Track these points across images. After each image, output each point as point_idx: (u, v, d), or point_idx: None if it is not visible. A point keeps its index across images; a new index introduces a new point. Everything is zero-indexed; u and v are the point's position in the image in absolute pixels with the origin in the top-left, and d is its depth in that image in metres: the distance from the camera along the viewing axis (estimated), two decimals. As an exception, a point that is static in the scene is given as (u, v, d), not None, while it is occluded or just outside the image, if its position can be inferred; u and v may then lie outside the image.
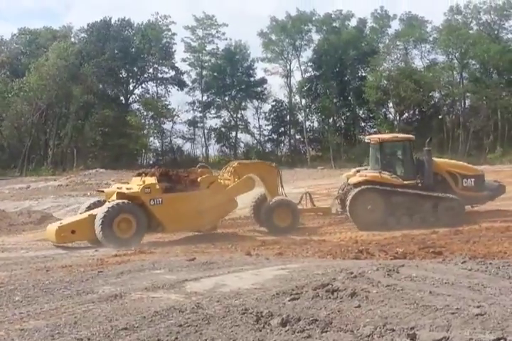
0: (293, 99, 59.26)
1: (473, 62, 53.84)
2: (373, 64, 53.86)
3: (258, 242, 15.30)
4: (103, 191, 18.10)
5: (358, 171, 19.47)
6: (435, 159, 19.66)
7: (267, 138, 60.40)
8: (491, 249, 13.35)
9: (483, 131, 51.33)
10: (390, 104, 55.66)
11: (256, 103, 59.90)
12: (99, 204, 16.69)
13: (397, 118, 55.17)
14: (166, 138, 59.27)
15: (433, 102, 56.22)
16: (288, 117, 59.79)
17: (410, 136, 20.18)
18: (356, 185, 18.64)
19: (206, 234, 17.59)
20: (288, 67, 58.15)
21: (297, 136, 60.40)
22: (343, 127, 59.47)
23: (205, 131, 58.91)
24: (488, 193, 19.12)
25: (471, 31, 53.29)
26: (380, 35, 57.69)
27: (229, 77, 58.89)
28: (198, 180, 17.04)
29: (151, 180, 16.43)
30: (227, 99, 59.68)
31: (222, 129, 59.74)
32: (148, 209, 16.01)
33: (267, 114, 59.94)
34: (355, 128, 58.07)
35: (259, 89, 59.90)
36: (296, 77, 59.20)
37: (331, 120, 58.49)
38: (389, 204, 18.30)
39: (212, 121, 59.86)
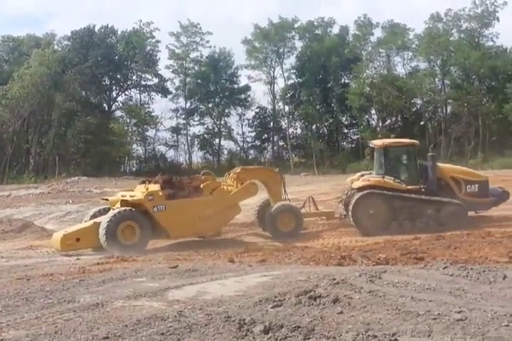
0: (276, 106, 59.57)
1: (455, 69, 54.55)
2: (356, 71, 54.26)
3: (241, 249, 15.27)
4: (107, 199, 18.29)
5: (363, 175, 19.48)
6: (439, 164, 19.63)
7: (250, 144, 60.61)
8: (472, 255, 13.42)
9: (465, 137, 51.83)
10: (373, 111, 56.18)
11: (239, 110, 60.17)
12: (103, 212, 16.91)
13: (380, 124, 55.61)
14: (149, 145, 59.22)
15: (415, 109, 56.74)
16: (271, 124, 59.96)
17: (414, 141, 20.13)
18: (359, 189, 18.63)
19: (190, 241, 17.55)
20: (271, 74, 58.51)
21: (280, 143, 60.64)
22: (326, 134, 59.75)
23: (189, 138, 58.96)
24: (492, 199, 19.09)
25: (451, 38, 53.95)
26: (362, 42, 58.14)
27: (213, 84, 58.93)
28: (201, 186, 17.23)
29: (154, 187, 16.68)
30: (210, 106, 59.72)
31: (206, 136, 59.74)
32: (152, 216, 16.22)
33: (250, 121, 60.21)
34: (338, 134, 58.35)
35: (242, 96, 60.05)
36: (280, 84, 59.55)
37: (314, 126, 58.73)
38: (392, 209, 18.32)
39: (196, 128, 59.96)
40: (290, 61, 60.48)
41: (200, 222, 16.72)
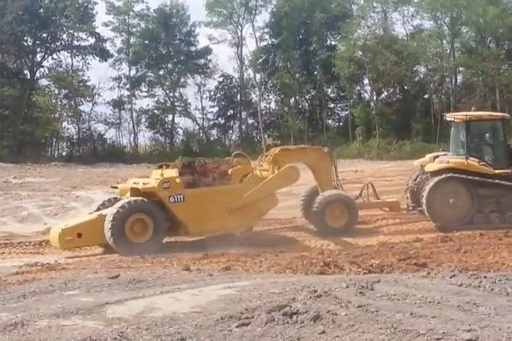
0: (245, 74, 59.37)
1: (467, 29, 54.82)
2: (345, 30, 54.34)
3: (199, 254, 15.30)
4: (117, 187, 18.68)
5: (436, 157, 19.64)
6: None
7: (212, 123, 60.36)
8: (486, 260, 13.67)
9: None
10: (366, 81, 56.35)
11: (198, 79, 59.77)
12: (113, 202, 17.20)
13: (374, 98, 55.86)
14: (84, 123, 58.51)
15: (418, 78, 57.09)
16: (238, 97, 59.82)
17: (505, 114, 20.33)
18: (435, 173, 18.81)
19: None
20: (239, 34, 58.21)
21: (250, 121, 60.57)
22: (307, 109, 59.84)
23: (134, 113, 58.44)
24: None
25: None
26: (353, -6, 58.36)
27: (164, 46, 58.45)
28: (229, 172, 17.34)
29: (171, 172, 16.90)
30: (161, 73, 59.25)
31: (156, 112, 59.31)
32: (168, 208, 16.50)
33: (212, 93, 59.88)
34: (322, 110, 58.52)
35: (202, 61, 59.70)
36: (250, 46, 59.32)
37: (292, 100, 58.80)
38: (476, 199, 18.60)
39: (143, 102, 59.46)
40: (263, 17, 60.32)
41: (227, 216, 16.87)
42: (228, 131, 60.75)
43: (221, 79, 60.09)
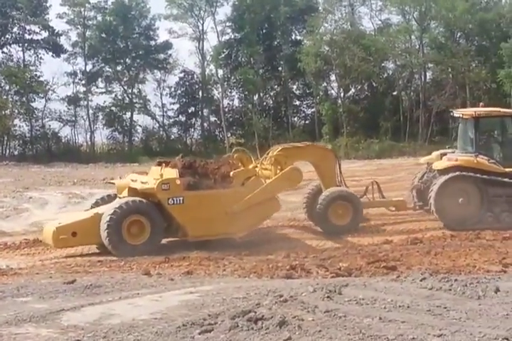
0: (206, 70, 59.22)
1: (436, 24, 55.33)
2: (311, 25, 54.51)
3: (160, 258, 15.23)
4: (113, 183, 18.66)
5: (443, 155, 19.76)
6: None
7: (172, 120, 60.12)
8: (457, 262, 13.82)
9: (449, 112, 52.72)
10: (333, 77, 56.58)
11: (158, 74, 59.51)
12: (109, 199, 17.50)
13: (341, 95, 56.14)
14: (37, 120, 57.93)
15: (386, 75, 57.53)
16: (200, 93, 59.68)
17: None
18: (444, 171, 18.92)
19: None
20: (200, 28, 58.05)
21: (212, 118, 60.50)
22: (271, 106, 59.93)
23: (90, 110, 57.99)
24: None
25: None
26: (319, -13, 58.56)
27: (122, 40, 58.11)
28: (231, 174, 17.35)
29: (171, 173, 16.87)
30: (119, 68, 58.92)
31: (113, 109, 58.93)
32: (166, 210, 16.50)
33: (172, 89, 59.63)
34: (287, 107, 58.67)
35: (162, 56, 59.43)
36: (211, 40, 59.19)
37: (256, 97, 58.82)
38: (486, 198, 18.73)
39: (100, 98, 59.01)
40: (225, 10, 60.23)
41: (227, 220, 16.85)
42: (189, 129, 60.55)
43: (182, 75, 59.93)
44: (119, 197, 17.11)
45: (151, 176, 17.49)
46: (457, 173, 18.58)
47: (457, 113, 20.56)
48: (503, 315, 7.68)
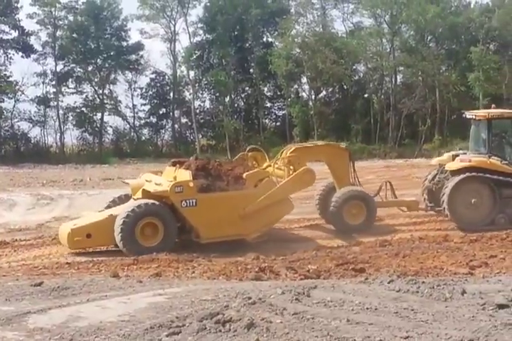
0: (178, 71, 59.04)
1: (407, 27, 55.71)
2: (283, 27, 54.55)
3: (129, 260, 15.18)
4: (128, 183, 19.00)
5: (456, 156, 19.90)
6: None
7: (143, 121, 59.83)
8: (425, 264, 13.94)
9: (419, 115, 53.23)
10: (304, 79, 56.71)
11: (129, 75, 59.16)
12: (125, 199, 18.09)
13: (313, 97, 56.31)
14: (6, 120, 57.38)
15: (357, 77, 57.78)
16: (171, 95, 59.48)
17: None
18: (456, 172, 19.09)
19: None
20: (172, 29, 57.88)
21: (183, 120, 60.29)
22: (242, 108, 59.91)
23: (61, 111, 57.49)
24: None
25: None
26: (291, -11, 58.65)
27: (93, 41, 57.73)
28: (244, 176, 17.56)
29: (184, 175, 17.11)
30: (90, 69, 58.50)
31: (84, 110, 58.56)
32: (179, 212, 16.80)
33: (143, 91, 59.35)
34: (258, 109, 58.68)
35: (133, 56, 59.14)
36: (183, 41, 59.03)
37: (227, 99, 58.72)
38: (498, 199, 18.94)
39: (70, 99, 58.52)
40: (197, 12, 60.03)
41: (240, 222, 17.14)
42: (160, 131, 60.29)
43: (153, 76, 59.65)
44: (133, 198, 17.53)
45: (165, 177, 17.84)
46: (470, 174, 18.83)
47: (470, 114, 20.68)
48: (469, 317, 7.74)
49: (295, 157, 18.50)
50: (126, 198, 18.18)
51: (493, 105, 21.35)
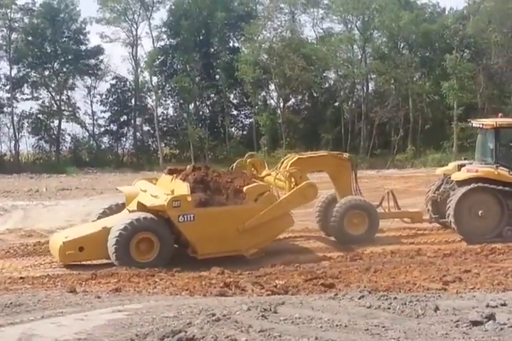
0: (140, 77, 58.83)
1: (379, 33, 56.12)
2: (249, 32, 54.69)
3: (87, 274, 15.08)
4: (121, 191, 19.26)
5: (461, 166, 19.96)
6: None
7: (103, 129, 59.48)
8: (397, 280, 14.01)
9: (391, 124, 53.59)
10: (272, 86, 56.80)
11: (88, 81, 58.86)
12: (117, 209, 18.22)
13: (281, 105, 56.41)
14: (-43, 127, 56.88)
15: (328, 85, 57.97)
16: (133, 101, 59.30)
17: None
18: (463, 182, 19.16)
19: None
20: (134, 33, 57.74)
21: (145, 128, 60.06)
22: (207, 116, 59.85)
23: (15, 118, 57.07)
24: None
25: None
26: (259, -7, 58.86)
27: (50, 44, 57.40)
28: (244, 190, 17.56)
29: (181, 188, 17.12)
30: (47, 74, 58.14)
31: (40, 116, 58.18)
32: (176, 227, 16.85)
33: (103, 97, 59.06)
34: (224, 117, 58.69)
35: (92, 61, 58.89)
36: (146, 46, 58.91)
37: (191, 106, 58.71)
38: (506, 210, 19.00)
39: (26, 105, 58.12)
40: (160, 15, 60.13)
41: (239, 237, 17.25)
42: (121, 139, 59.97)
43: (114, 81, 59.35)
44: (128, 209, 17.58)
45: (160, 186, 18.05)
46: (477, 184, 18.96)
47: (477, 123, 20.86)
48: (442, 334, 7.79)
49: (297, 171, 18.67)
50: (117, 208, 18.27)
51: (500, 114, 21.52)
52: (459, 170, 19.86)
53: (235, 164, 20.11)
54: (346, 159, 20.11)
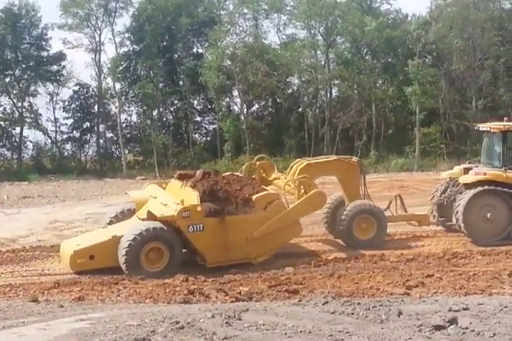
0: (103, 83, 58.52)
1: (342, 39, 56.44)
2: (213, 38, 54.72)
3: (49, 283, 14.96)
4: (130, 195, 19.66)
5: (467, 169, 20.09)
6: None
7: (66, 136, 59.07)
8: (361, 285, 14.09)
9: (354, 130, 53.90)
10: (235, 92, 56.83)
11: (51, 87, 58.43)
12: (128, 213, 18.65)
13: (245, 111, 56.44)
14: None
15: (291, 91, 58.18)
16: (96, 108, 59.00)
17: None
18: (471, 185, 19.31)
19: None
20: (97, 39, 57.45)
21: (109, 134, 59.77)
22: (171, 122, 59.73)
23: (-24, 125, 56.60)
24: None
25: (339, 0, 55.75)
26: (222, -1, 58.96)
27: (11, 50, 56.86)
28: (253, 198, 17.74)
29: (191, 198, 17.26)
30: (8, 80, 57.62)
31: (1, 123, 57.65)
32: (185, 237, 17.06)
33: (66, 103, 58.68)
34: (188, 123, 58.55)
35: (55, 67, 58.45)
36: (109, 52, 58.62)
37: (155, 112, 58.53)
38: None
39: (-14, 112, 57.64)
40: (124, 21, 59.80)
41: (247, 246, 17.46)
42: (84, 146, 59.58)
43: (76, 88, 58.93)
44: (138, 217, 17.85)
45: (170, 192, 18.44)
46: (486, 187, 19.16)
47: (484, 127, 21.06)
48: (406, 338, 7.84)
49: (306, 179, 18.82)
50: (128, 213, 18.63)
51: (505, 118, 21.74)
52: (465, 173, 20.10)
53: (244, 167, 20.55)
54: (355, 164, 20.36)
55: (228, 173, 19.90)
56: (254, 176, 19.85)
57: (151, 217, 17.28)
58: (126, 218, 18.55)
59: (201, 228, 17.01)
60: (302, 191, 18.66)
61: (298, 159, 20.74)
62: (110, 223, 18.65)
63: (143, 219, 17.48)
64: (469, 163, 21.89)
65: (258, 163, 20.13)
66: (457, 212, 19.41)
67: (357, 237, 19.24)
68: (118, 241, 16.70)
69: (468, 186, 19.65)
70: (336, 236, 20.09)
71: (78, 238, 18.53)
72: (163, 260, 16.77)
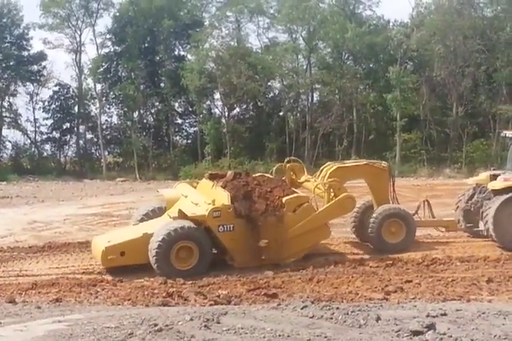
0: (84, 84, 58.38)
1: (324, 44, 56.57)
2: (195, 40, 54.69)
3: (27, 284, 14.88)
4: (162, 194, 19.99)
5: (494, 175, 20.10)
6: None
7: (45, 136, 58.87)
8: (340, 290, 14.12)
9: (335, 135, 54.03)
10: (217, 95, 56.81)
11: (31, 87, 58.27)
12: (158, 212, 18.97)
13: (226, 114, 56.41)
14: None
15: (272, 94, 58.26)
16: (76, 109, 58.79)
17: None
18: (501, 191, 19.31)
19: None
20: (78, 39, 57.27)
21: (89, 135, 59.60)
22: (152, 124, 59.62)
23: (-45, 125, 56.24)
24: None
25: (321, 4, 55.92)
26: (204, 1, 58.87)
27: (-9, 49, 56.77)
28: (283, 201, 17.83)
29: (222, 198, 17.49)
30: (-13, 80, 57.48)
31: (-19, 123, 57.43)
32: (215, 236, 17.21)
33: (46, 104, 58.47)
34: (169, 126, 58.47)
35: (35, 67, 58.29)
36: (90, 53, 58.48)
37: (136, 114, 58.40)
38: None
39: (-34, 112, 57.29)
40: (105, 22, 59.69)
41: (277, 247, 17.47)
42: (64, 147, 59.40)
43: (57, 88, 58.77)
44: (169, 215, 18.03)
45: (201, 192, 18.69)
46: None
47: (510, 133, 21.14)
48: (384, 344, 7.89)
49: (336, 183, 18.89)
50: (159, 211, 18.89)
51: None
52: (492, 179, 20.13)
53: (274, 168, 20.58)
54: (384, 168, 20.42)
55: (259, 174, 20.10)
56: (284, 178, 19.98)
57: (181, 215, 17.44)
58: (156, 216, 18.77)
59: (231, 228, 17.20)
60: (332, 194, 18.77)
61: (328, 162, 20.78)
62: (141, 220, 18.90)
63: (174, 218, 17.62)
64: (494, 169, 21.99)
65: (288, 165, 20.22)
66: (487, 218, 19.52)
67: (386, 241, 19.34)
68: (148, 238, 16.92)
69: (497, 192, 19.69)
70: (364, 240, 20.14)
71: (109, 234, 18.80)
72: (193, 259, 16.91)
